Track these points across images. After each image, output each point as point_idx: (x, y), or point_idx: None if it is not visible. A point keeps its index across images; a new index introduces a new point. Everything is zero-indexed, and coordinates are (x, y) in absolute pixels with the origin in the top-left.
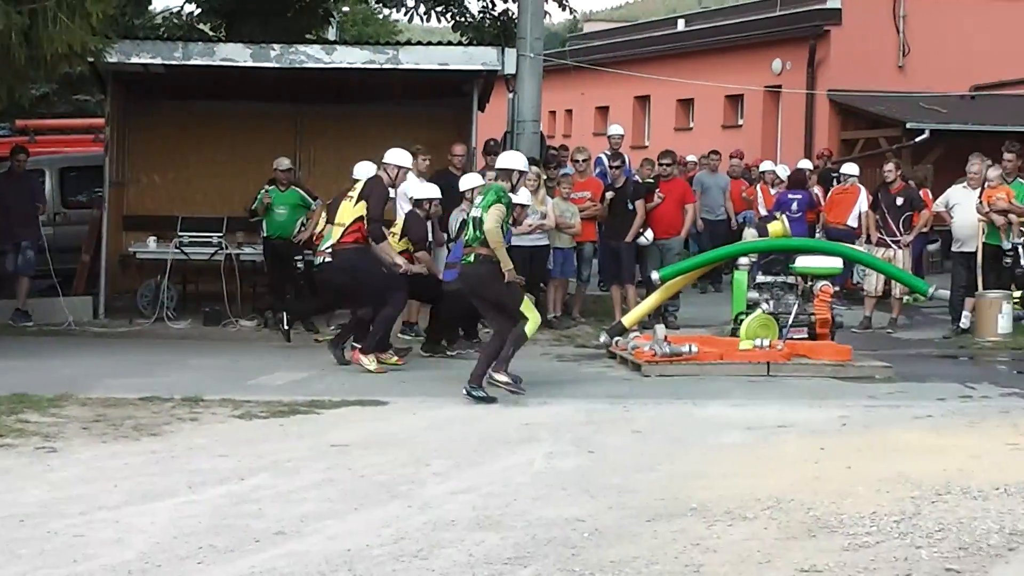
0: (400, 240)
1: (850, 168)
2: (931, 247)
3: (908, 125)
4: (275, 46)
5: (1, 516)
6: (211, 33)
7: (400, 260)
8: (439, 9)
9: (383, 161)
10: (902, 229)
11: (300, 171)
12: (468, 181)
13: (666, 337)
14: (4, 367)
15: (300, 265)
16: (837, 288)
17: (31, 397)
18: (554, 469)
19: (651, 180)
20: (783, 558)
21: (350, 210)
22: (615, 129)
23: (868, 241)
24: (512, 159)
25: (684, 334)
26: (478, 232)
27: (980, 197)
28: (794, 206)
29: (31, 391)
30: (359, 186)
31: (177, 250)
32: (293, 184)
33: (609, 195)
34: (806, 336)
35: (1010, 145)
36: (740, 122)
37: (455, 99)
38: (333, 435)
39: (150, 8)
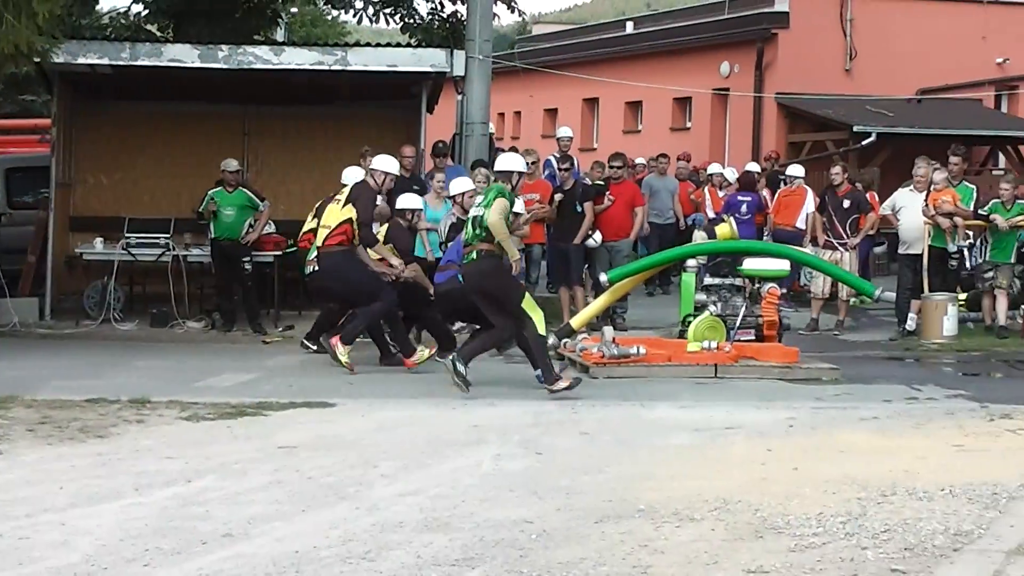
0: (385, 246)
1: (796, 170)
2: (877, 249)
3: (855, 128)
4: (223, 47)
5: None
6: (159, 34)
7: (396, 261)
8: (388, 11)
9: (370, 167)
10: (849, 232)
11: (248, 172)
12: (458, 186)
13: (614, 339)
14: None
15: (248, 266)
16: (784, 290)
17: None
18: (502, 471)
19: (601, 182)
20: (730, 559)
21: (336, 213)
22: (564, 131)
23: (815, 243)
24: (512, 161)
25: (632, 336)
26: (478, 230)
27: (926, 200)
28: (743, 208)
29: None
30: (346, 190)
31: (124, 251)
32: (241, 185)
33: (558, 197)
34: (753, 338)
35: (956, 149)
36: (688, 124)
37: (404, 101)
38: (281, 437)
39: (97, 8)
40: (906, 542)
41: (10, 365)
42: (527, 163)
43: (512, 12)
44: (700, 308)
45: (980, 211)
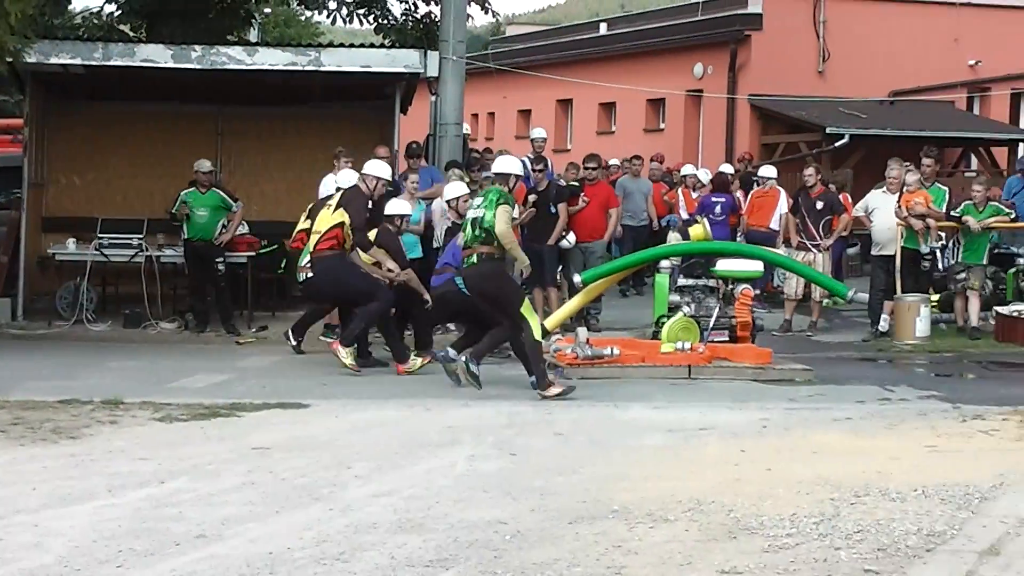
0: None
1: (767, 170)
2: (850, 251)
3: (828, 130)
4: (196, 47)
5: None
6: (131, 34)
7: (392, 265)
8: (361, 11)
9: (363, 172)
10: (822, 233)
11: (221, 173)
12: (453, 190)
13: (588, 340)
14: None
15: (221, 267)
16: (757, 291)
17: None
18: (476, 472)
19: (575, 183)
20: (704, 560)
21: (328, 217)
22: (538, 132)
23: (788, 245)
24: (508, 164)
25: (606, 337)
26: (479, 232)
27: (899, 202)
28: (717, 209)
29: None
30: (337, 196)
31: (97, 252)
32: (214, 186)
33: (532, 198)
34: (727, 339)
35: (928, 150)
36: (662, 126)
37: (378, 101)
38: (254, 438)
39: (70, 8)
40: (879, 543)
41: None
42: None
43: (486, 13)
44: (674, 309)
45: (952, 213)
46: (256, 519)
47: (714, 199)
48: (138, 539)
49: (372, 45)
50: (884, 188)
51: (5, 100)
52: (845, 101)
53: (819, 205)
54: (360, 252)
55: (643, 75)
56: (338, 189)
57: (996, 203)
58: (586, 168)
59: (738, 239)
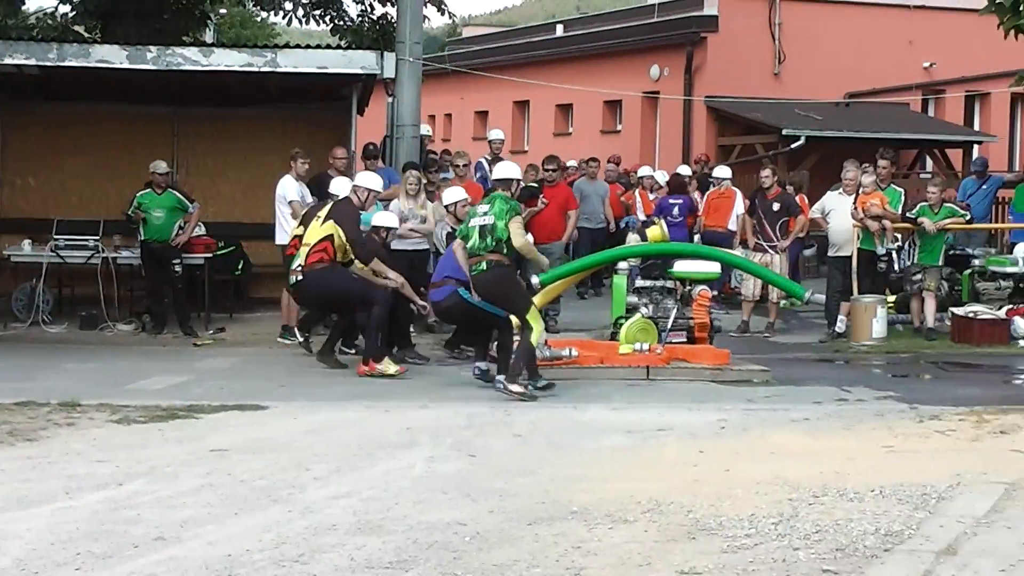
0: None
1: (722, 171)
2: (807, 252)
3: (784, 131)
4: (152, 48)
5: None
6: (86, 35)
7: (393, 275)
8: (317, 12)
9: (354, 183)
10: (779, 234)
11: (178, 174)
12: (452, 195)
13: (546, 341)
14: None
15: (178, 269)
16: (715, 292)
17: None
18: (435, 473)
19: (534, 184)
20: (663, 560)
21: (317, 229)
22: (496, 134)
23: (745, 246)
24: (510, 169)
25: (564, 338)
26: (489, 240)
27: (855, 203)
28: (675, 211)
29: None
30: (327, 208)
31: (53, 253)
32: (170, 187)
33: None
34: (685, 340)
35: (884, 152)
36: (619, 127)
37: (334, 103)
38: (213, 440)
39: (23, 8)
40: (837, 543)
41: None
42: (459, 165)
43: (442, 14)
44: (632, 310)
45: (908, 214)
46: (215, 521)
47: (671, 201)
48: (96, 541)
49: (328, 46)
50: (840, 190)
51: None
52: (801, 103)
53: (775, 206)
54: (359, 263)
55: (600, 77)
56: (330, 197)
57: (951, 204)
58: (545, 170)
59: (695, 240)
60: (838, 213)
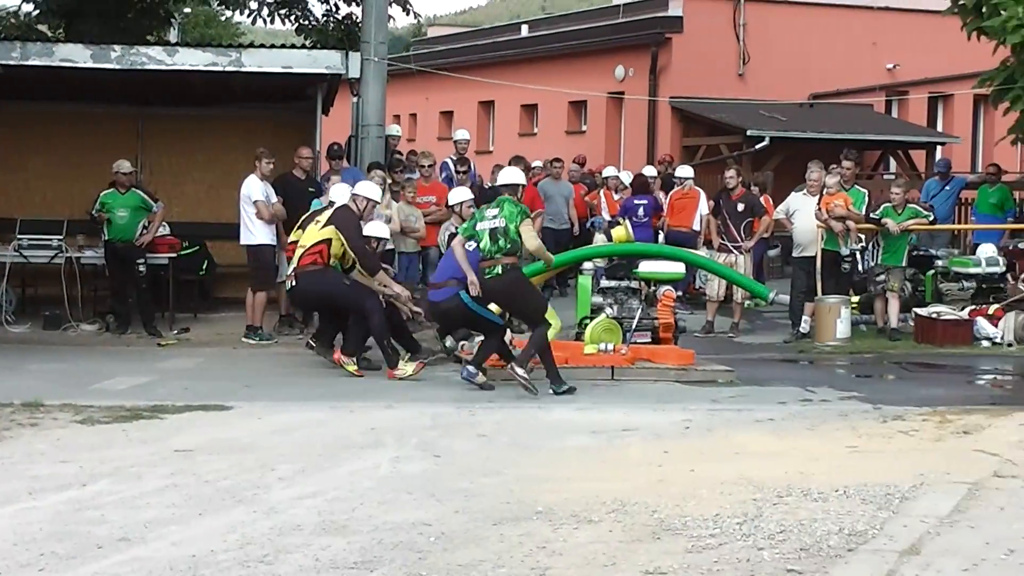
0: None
1: (684, 171)
2: (772, 252)
3: (748, 132)
4: (116, 47)
5: None
6: (50, 34)
7: (398, 289)
8: (282, 12)
9: (353, 192)
10: (743, 235)
11: (141, 173)
12: (457, 195)
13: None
14: None
15: (142, 268)
16: (680, 293)
17: None
18: (400, 473)
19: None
20: (628, 560)
21: (314, 233)
22: (461, 134)
23: (709, 246)
24: (514, 175)
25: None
26: (502, 242)
27: (819, 204)
28: (640, 211)
29: None
30: (327, 213)
31: (16, 253)
32: (134, 187)
33: None
34: (650, 340)
35: (848, 153)
36: (584, 128)
37: (299, 103)
38: (177, 440)
39: None
40: (802, 542)
41: None
42: (425, 166)
43: (407, 14)
44: (596, 311)
45: (872, 215)
46: (179, 522)
47: (636, 201)
48: (60, 542)
49: (293, 46)
50: (804, 190)
51: None
52: (765, 104)
53: (740, 207)
54: (362, 272)
55: (565, 77)
56: (330, 203)
57: (915, 205)
58: None
59: (659, 240)
60: (802, 214)
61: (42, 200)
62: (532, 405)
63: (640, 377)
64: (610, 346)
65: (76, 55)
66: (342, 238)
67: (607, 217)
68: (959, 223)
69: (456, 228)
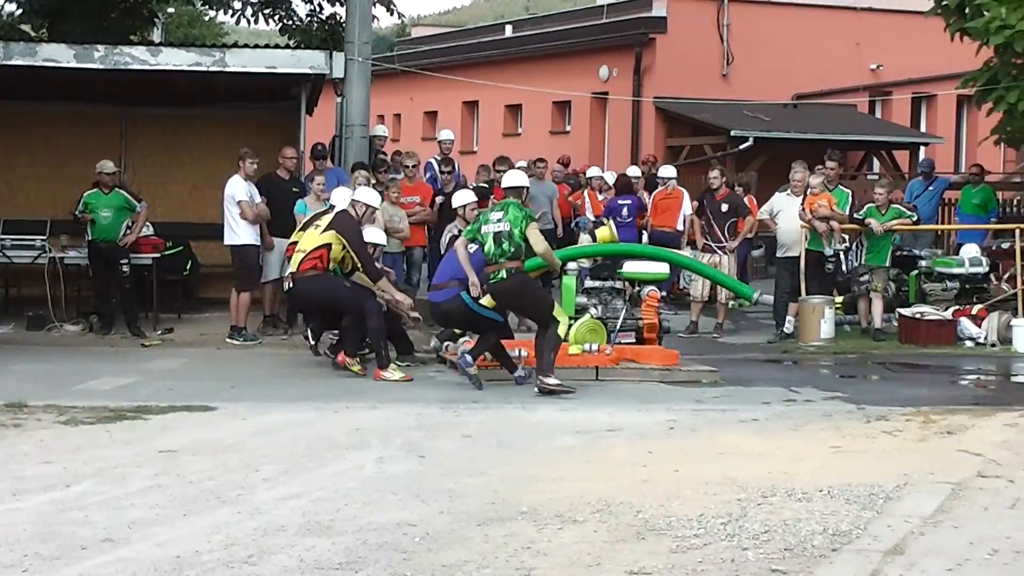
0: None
1: (667, 171)
2: (755, 253)
3: (732, 132)
4: (99, 47)
5: None
6: (33, 33)
7: (400, 296)
8: (266, 12)
9: (352, 197)
10: (727, 235)
11: (125, 174)
12: (461, 197)
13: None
14: None
15: (126, 269)
16: (664, 293)
17: None
18: (385, 474)
19: (484, 185)
20: (612, 560)
21: (314, 238)
22: (446, 134)
23: (693, 247)
24: (518, 177)
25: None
26: (506, 246)
27: (803, 204)
28: (624, 211)
29: None
30: (327, 218)
31: None
32: (117, 187)
33: (439, 200)
34: (634, 341)
35: (832, 153)
36: (568, 128)
37: (283, 103)
38: (161, 441)
39: None
40: (786, 542)
41: None
42: (409, 166)
43: (391, 14)
44: (581, 311)
45: (855, 215)
46: (163, 522)
47: (620, 201)
48: (44, 543)
49: (277, 46)
50: (788, 191)
51: None
52: (749, 104)
53: (724, 207)
54: (364, 277)
55: (549, 77)
56: (331, 207)
57: (898, 206)
58: (497, 170)
59: (643, 240)
60: (786, 214)
61: (25, 200)
62: (516, 406)
63: (624, 377)
64: (594, 346)
65: (59, 55)
66: (346, 244)
67: (591, 217)
68: (942, 223)
69: (458, 230)
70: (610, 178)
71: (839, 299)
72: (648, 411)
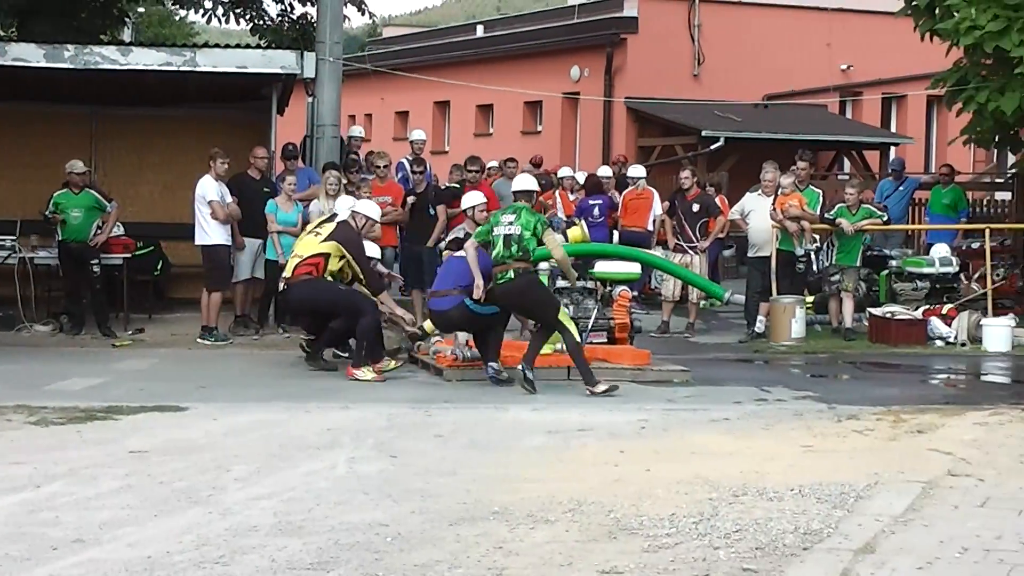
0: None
1: (636, 170)
2: (727, 253)
3: (703, 133)
4: (69, 47)
5: None
6: (2, 33)
7: (400, 311)
8: (237, 11)
9: (353, 209)
10: (698, 235)
11: (95, 174)
12: (471, 199)
13: (468, 342)
14: None
15: (96, 269)
16: (635, 293)
17: None
18: (356, 474)
19: (456, 185)
20: (584, 560)
21: (313, 245)
22: (417, 134)
23: (665, 247)
24: (528, 181)
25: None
26: (515, 249)
27: (774, 204)
28: (596, 211)
29: None
30: (328, 227)
31: None
32: (88, 187)
33: (410, 200)
34: (605, 340)
35: (803, 153)
36: (539, 128)
37: (254, 103)
38: (132, 441)
39: None
40: (757, 541)
41: None
42: (380, 166)
43: (362, 14)
44: None
45: (826, 215)
46: (134, 523)
47: (591, 201)
48: (14, 544)
49: (248, 46)
50: (759, 191)
51: None
52: (720, 104)
53: (695, 207)
54: (364, 289)
55: (520, 77)
56: (333, 216)
57: (869, 206)
58: (469, 170)
59: (614, 240)
60: (757, 214)
61: None
62: (488, 405)
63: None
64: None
65: (29, 55)
66: (347, 255)
67: (563, 217)
68: (913, 223)
69: (465, 233)
70: (581, 178)
71: (810, 299)
72: (620, 411)
